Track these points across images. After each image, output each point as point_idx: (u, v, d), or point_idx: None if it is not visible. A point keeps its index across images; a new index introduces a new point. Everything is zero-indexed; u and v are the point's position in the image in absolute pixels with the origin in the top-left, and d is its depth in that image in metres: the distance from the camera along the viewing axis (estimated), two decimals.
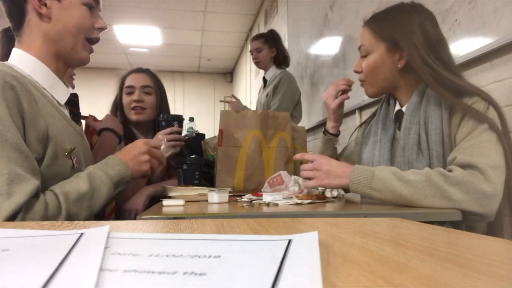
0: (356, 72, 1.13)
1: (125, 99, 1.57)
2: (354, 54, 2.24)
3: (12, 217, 0.70)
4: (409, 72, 1.04)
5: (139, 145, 0.98)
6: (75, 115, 1.00)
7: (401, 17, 1.05)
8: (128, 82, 1.58)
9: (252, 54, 2.75)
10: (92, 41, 0.99)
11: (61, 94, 0.95)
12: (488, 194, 0.81)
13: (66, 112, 0.97)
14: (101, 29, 0.99)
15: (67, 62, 0.97)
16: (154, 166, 1.01)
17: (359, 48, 1.10)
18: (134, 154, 0.96)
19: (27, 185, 0.72)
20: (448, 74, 0.97)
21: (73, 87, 1.99)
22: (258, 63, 2.76)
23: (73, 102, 0.99)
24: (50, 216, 0.76)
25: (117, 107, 1.60)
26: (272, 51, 2.68)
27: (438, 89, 0.96)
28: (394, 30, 1.03)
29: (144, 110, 1.56)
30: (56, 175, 0.83)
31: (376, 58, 1.06)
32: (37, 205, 0.74)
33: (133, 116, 1.55)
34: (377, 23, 1.07)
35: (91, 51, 1.00)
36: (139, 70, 1.62)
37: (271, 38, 2.70)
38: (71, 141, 0.90)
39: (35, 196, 0.74)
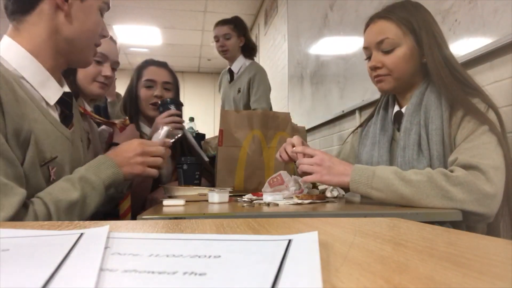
0: (376, 68, 1.05)
1: (144, 92, 1.52)
2: (354, 54, 2.24)
3: None
4: (420, 69, 1.04)
5: (134, 146, 0.94)
6: (66, 117, 0.91)
7: (418, 11, 1.03)
8: (148, 75, 1.54)
9: (218, 41, 2.45)
10: (97, 45, 0.96)
11: (51, 93, 0.86)
12: (490, 195, 0.82)
13: (55, 114, 0.88)
14: (104, 37, 0.97)
15: (69, 62, 0.92)
16: (149, 170, 0.96)
17: (380, 42, 1.03)
18: (127, 156, 0.92)
19: (14, 196, 0.67)
20: (462, 71, 0.99)
21: (113, 90, 1.98)
22: (225, 52, 2.46)
23: (65, 102, 0.91)
24: None
25: (132, 97, 1.55)
26: (240, 39, 2.44)
27: (447, 84, 0.96)
28: (418, 22, 1.00)
29: None
30: (29, 187, 0.74)
31: (406, 51, 1.01)
32: (26, 218, 0.70)
33: (151, 112, 1.51)
34: (400, 14, 1.02)
35: (96, 54, 0.98)
36: (158, 64, 1.58)
37: (240, 25, 2.45)
38: (54, 149, 0.81)
39: (23, 206, 0.70)
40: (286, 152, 1.07)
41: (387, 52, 1.02)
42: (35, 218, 0.71)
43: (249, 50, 2.49)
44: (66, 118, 0.91)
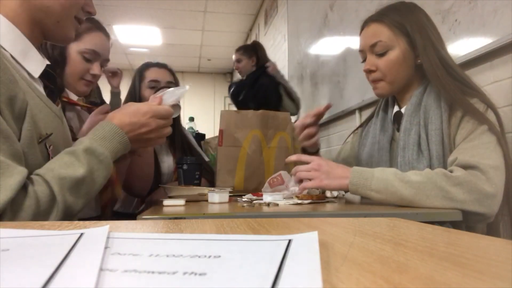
0: (370, 71, 1.06)
1: (149, 93, 1.52)
2: (354, 54, 2.24)
3: None
4: (417, 70, 1.04)
5: (148, 121, 0.83)
6: (52, 91, 0.82)
7: (412, 12, 1.03)
8: (151, 75, 1.56)
9: (235, 65, 3.13)
10: (79, 20, 0.86)
11: (35, 65, 0.78)
12: (490, 194, 0.82)
13: (41, 88, 0.79)
14: (89, 13, 0.88)
15: (47, 35, 0.83)
16: (157, 141, 0.88)
17: (373, 46, 1.03)
18: (140, 132, 0.82)
19: (12, 176, 0.59)
20: (459, 71, 0.99)
21: (115, 86, 1.92)
22: (240, 73, 3.11)
23: (48, 75, 0.81)
24: (43, 212, 0.63)
25: (135, 99, 1.55)
26: (252, 60, 2.99)
27: (445, 85, 0.96)
28: (411, 24, 1.01)
29: None
30: (27, 167, 0.65)
31: (398, 54, 1.01)
32: (27, 200, 0.61)
33: None
34: (392, 17, 1.02)
35: (78, 30, 0.87)
36: (159, 65, 1.60)
37: (250, 49, 3.06)
38: (47, 125, 0.73)
39: (22, 188, 0.61)
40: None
41: (381, 55, 1.03)
42: (36, 201, 0.62)
43: (262, 65, 2.99)
44: (51, 93, 0.81)
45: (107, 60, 1.36)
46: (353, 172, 0.91)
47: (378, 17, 1.05)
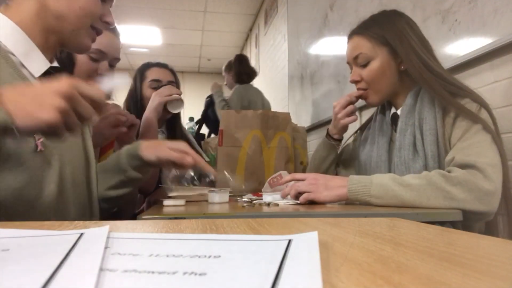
0: (355, 81, 1.11)
1: (150, 92, 1.52)
2: None
3: None
4: (405, 75, 1.06)
5: (58, 83, 0.56)
6: None
7: (391, 22, 1.06)
8: (153, 75, 1.56)
9: None
10: (97, 30, 0.88)
11: (36, 65, 0.80)
12: (489, 192, 0.83)
13: None
14: (108, 24, 0.90)
15: (62, 43, 0.85)
16: (72, 120, 0.57)
17: (356, 58, 1.09)
18: (37, 94, 0.55)
19: None
20: (445, 73, 1.00)
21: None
22: (229, 87, 3.44)
23: (52, 76, 0.82)
24: None
25: (136, 99, 1.55)
26: (231, 75, 3.33)
27: (434, 89, 0.98)
28: (390, 33, 1.04)
29: None
30: (10, 157, 0.63)
31: (379, 63, 1.05)
32: None
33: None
34: (371, 29, 1.07)
35: (94, 40, 0.89)
36: (160, 65, 1.60)
37: (230, 64, 3.40)
38: None
39: None
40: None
41: (364, 66, 1.08)
42: None
43: (244, 78, 3.28)
44: None
45: (117, 59, 1.31)
46: (351, 180, 0.91)
47: (358, 30, 1.10)
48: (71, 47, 0.87)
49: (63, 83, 0.57)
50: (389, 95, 1.10)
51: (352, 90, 1.26)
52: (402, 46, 1.02)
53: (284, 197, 0.99)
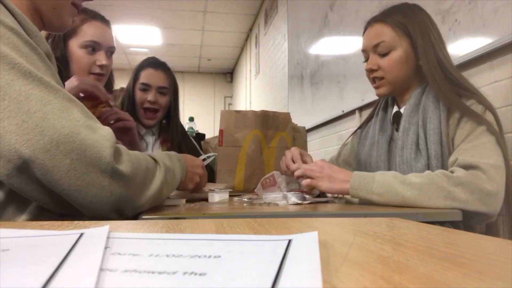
0: (372, 70, 1.07)
1: (139, 95, 1.53)
2: (354, 54, 2.24)
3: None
4: (417, 71, 1.05)
5: (199, 164, 0.99)
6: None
7: (415, 14, 1.04)
8: (144, 78, 1.55)
9: None
10: (77, 6, 0.85)
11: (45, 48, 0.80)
12: (492, 193, 0.83)
13: None
14: None
15: (44, 23, 0.83)
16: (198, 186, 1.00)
17: (376, 46, 1.04)
18: (194, 172, 0.95)
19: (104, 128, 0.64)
20: (456, 73, 1.00)
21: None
22: None
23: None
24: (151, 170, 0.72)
25: (129, 98, 1.55)
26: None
27: (442, 90, 0.97)
28: (413, 25, 1.02)
29: (157, 113, 1.54)
30: None
31: (401, 54, 1.02)
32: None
33: (145, 120, 1.54)
34: (395, 18, 1.04)
35: (74, 16, 0.87)
36: (156, 66, 1.57)
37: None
38: None
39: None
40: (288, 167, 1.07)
41: (383, 55, 1.04)
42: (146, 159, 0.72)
43: None
44: None
45: (112, 47, 1.30)
46: (354, 177, 0.91)
47: (382, 17, 1.06)
48: (52, 26, 0.85)
49: (202, 166, 1.00)
50: (401, 88, 1.08)
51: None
52: (423, 40, 1.00)
53: (297, 177, 1.01)
